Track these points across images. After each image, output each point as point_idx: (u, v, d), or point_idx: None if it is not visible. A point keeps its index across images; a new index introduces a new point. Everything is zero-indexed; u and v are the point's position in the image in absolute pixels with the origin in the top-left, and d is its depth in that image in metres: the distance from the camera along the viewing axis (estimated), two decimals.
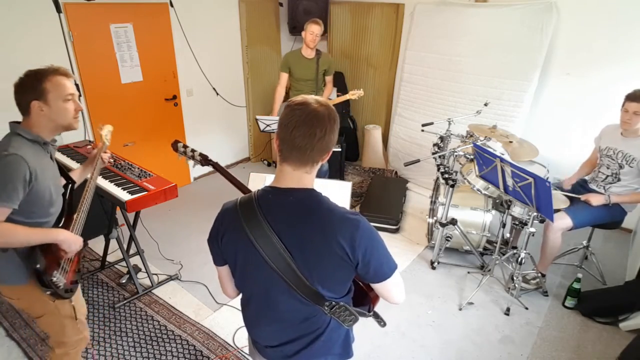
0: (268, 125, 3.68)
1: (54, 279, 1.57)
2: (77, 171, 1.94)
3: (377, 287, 1.16)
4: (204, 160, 1.54)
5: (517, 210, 2.72)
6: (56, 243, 1.56)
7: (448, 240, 3.13)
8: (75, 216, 1.70)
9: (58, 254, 1.59)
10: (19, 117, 1.55)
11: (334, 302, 1.11)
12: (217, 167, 1.49)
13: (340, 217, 1.06)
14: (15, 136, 1.50)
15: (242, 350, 2.43)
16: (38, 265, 1.51)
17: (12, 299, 1.67)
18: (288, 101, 1.08)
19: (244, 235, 1.09)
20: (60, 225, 1.66)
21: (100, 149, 1.94)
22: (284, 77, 3.90)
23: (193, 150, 1.55)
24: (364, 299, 1.25)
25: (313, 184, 1.12)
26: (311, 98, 1.07)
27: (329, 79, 4.01)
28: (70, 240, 1.58)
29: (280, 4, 4.82)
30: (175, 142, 1.59)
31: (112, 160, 2.04)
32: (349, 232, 1.04)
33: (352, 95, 3.79)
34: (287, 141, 1.05)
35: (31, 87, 1.50)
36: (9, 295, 1.66)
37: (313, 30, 3.65)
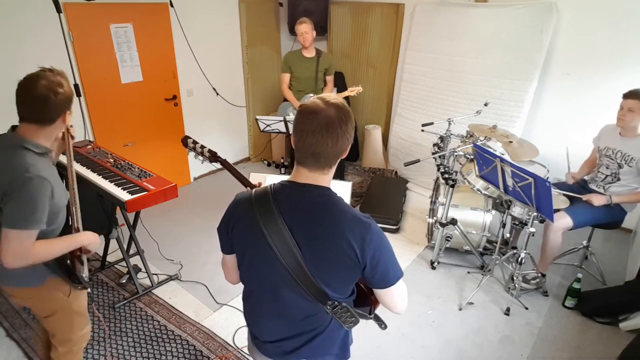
0: (268, 125, 3.68)
1: (84, 274, 1.67)
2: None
3: (380, 293, 1.16)
4: (213, 157, 1.54)
5: (517, 210, 2.71)
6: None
7: (448, 240, 3.13)
8: (73, 209, 1.71)
9: (77, 250, 1.64)
10: (14, 118, 1.49)
11: (336, 302, 1.12)
12: (225, 164, 1.48)
13: (352, 218, 1.08)
14: (23, 150, 1.44)
15: (242, 350, 2.43)
16: (68, 262, 1.59)
17: (23, 299, 1.67)
18: (302, 105, 1.08)
19: (256, 228, 1.09)
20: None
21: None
22: (286, 77, 3.92)
23: (202, 147, 1.55)
24: (366, 301, 1.25)
25: (330, 183, 1.14)
26: (323, 103, 1.05)
27: (330, 78, 4.02)
28: (93, 240, 1.65)
29: (280, 4, 4.82)
30: (185, 137, 1.59)
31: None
32: (360, 234, 1.06)
33: (351, 92, 3.80)
34: (301, 148, 1.07)
35: (68, 97, 1.48)
36: (20, 296, 1.67)
37: (300, 30, 3.70)
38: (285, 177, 1.15)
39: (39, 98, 1.41)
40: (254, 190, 1.16)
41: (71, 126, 1.82)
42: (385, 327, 1.31)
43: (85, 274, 1.69)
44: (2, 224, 1.39)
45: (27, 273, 1.52)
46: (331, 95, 1.10)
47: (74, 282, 1.66)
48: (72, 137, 1.83)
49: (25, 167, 1.40)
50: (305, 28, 3.68)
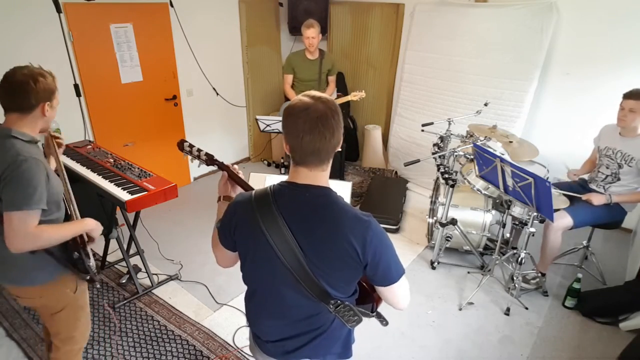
0: (268, 125, 3.68)
1: (91, 264, 1.68)
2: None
3: (382, 290, 1.16)
4: (210, 160, 1.53)
5: (517, 210, 2.71)
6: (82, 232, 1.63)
7: (448, 240, 3.13)
8: (69, 201, 1.73)
9: (82, 241, 1.65)
10: None
11: (339, 302, 1.12)
12: (223, 167, 1.48)
13: (352, 216, 1.08)
14: (12, 139, 1.48)
15: (242, 350, 2.43)
16: (76, 254, 1.60)
17: (32, 298, 1.67)
18: (287, 107, 1.08)
19: (257, 228, 1.10)
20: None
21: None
22: (289, 78, 3.93)
23: (199, 150, 1.54)
24: (367, 299, 1.25)
25: (328, 182, 1.14)
26: (309, 99, 1.06)
27: (332, 78, 4.03)
28: (96, 226, 1.66)
29: (280, 4, 4.82)
30: (181, 141, 1.58)
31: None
32: (361, 232, 1.06)
33: (354, 96, 3.80)
34: (299, 149, 1.06)
35: (49, 88, 1.51)
36: (30, 296, 1.66)
37: (308, 35, 3.70)
38: (285, 178, 1.15)
39: (18, 84, 1.46)
40: (253, 191, 1.16)
41: (59, 133, 1.84)
42: (387, 323, 1.31)
43: (92, 264, 1.71)
44: (4, 209, 1.41)
45: (38, 270, 1.56)
46: (311, 91, 1.11)
47: (83, 272, 1.67)
48: (60, 145, 1.82)
49: (18, 152, 1.44)
50: (313, 33, 3.68)
